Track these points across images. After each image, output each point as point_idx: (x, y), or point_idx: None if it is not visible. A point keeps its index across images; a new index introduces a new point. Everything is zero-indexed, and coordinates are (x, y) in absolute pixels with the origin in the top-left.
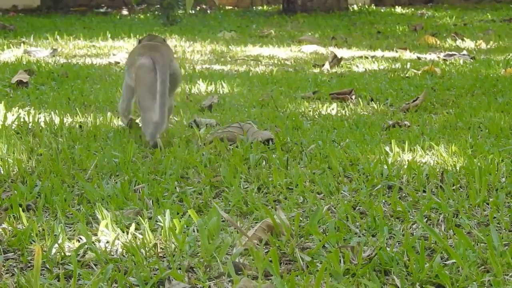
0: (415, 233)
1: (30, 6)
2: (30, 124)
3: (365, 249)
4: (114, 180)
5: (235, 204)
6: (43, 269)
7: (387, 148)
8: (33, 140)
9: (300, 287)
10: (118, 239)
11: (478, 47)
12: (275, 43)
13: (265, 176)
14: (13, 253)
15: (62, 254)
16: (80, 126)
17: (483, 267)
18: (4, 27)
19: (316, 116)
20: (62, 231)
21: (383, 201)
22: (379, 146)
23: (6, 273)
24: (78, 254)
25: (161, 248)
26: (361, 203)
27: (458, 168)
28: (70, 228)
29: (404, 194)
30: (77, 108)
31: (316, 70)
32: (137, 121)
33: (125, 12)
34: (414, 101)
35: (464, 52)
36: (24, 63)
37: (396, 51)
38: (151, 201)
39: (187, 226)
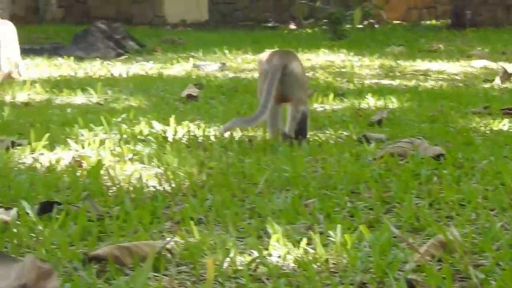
0: None
1: (199, 21)
2: (200, 138)
3: None
4: (285, 195)
5: (406, 220)
6: (215, 283)
7: None
8: (203, 153)
9: None
10: (290, 253)
11: None
12: (444, 57)
13: (437, 192)
14: (185, 267)
15: (234, 268)
16: (250, 140)
17: None
18: (173, 41)
19: (487, 132)
20: (234, 245)
21: None
22: None
23: (179, 286)
24: (250, 268)
25: (332, 263)
26: None
27: None
28: (242, 242)
29: None
30: None
31: (487, 85)
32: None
33: (292, 26)
34: None
35: None
36: (194, 77)
37: None
38: (322, 215)
39: (358, 242)
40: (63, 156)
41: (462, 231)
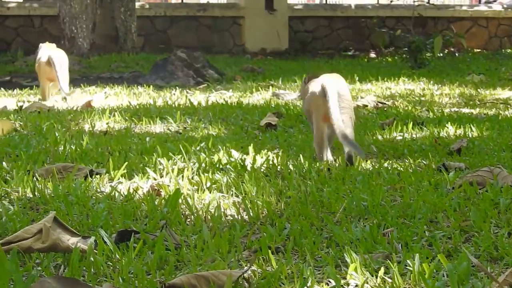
0: None
1: (279, 49)
2: (279, 167)
3: None
4: (363, 224)
5: (485, 249)
6: None
7: None
8: (281, 182)
9: None
10: (367, 282)
11: None
12: None
13: None
14: None
15: None
16: (329, 169)
17: None
18: (253, 70)
19: None
20: (311, 274)
21: None
22: None
23: None
24: None
25: None
26: None
27: None
28: (319, 271)
29: None
30: None
31: None
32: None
33: (372, 55)
34: None
35: None
36: (273, 105)
37: None
38: (400, 245)
39: (436, 271)
40: (141, 185)
41: None
